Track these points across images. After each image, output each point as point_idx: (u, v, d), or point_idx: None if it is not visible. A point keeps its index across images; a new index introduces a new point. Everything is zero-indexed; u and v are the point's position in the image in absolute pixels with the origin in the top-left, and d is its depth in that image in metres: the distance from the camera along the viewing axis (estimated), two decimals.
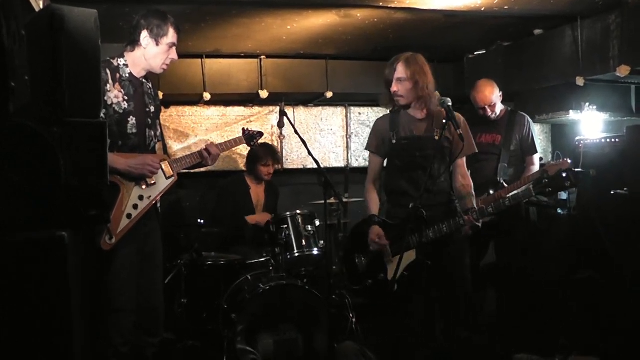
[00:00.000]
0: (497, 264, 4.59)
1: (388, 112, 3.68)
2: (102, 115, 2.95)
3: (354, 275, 3.60)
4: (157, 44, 3.14)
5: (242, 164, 5.74)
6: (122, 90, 3.10)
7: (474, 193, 3.52)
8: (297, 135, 3.72)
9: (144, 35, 3.12)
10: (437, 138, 3.39)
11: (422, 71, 3.40)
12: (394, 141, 3.49)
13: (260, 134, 3.92)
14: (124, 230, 3.03)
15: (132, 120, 3.12)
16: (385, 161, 3.64)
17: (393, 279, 3.31)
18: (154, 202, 3.20)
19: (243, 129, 3.88)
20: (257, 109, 5.92)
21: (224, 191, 5.16)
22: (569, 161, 4.19)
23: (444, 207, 3.44)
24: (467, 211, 3.33)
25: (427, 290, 3.47)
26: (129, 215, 3.06)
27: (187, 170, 3.49)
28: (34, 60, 1.85)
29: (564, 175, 3.19)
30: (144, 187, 3.14)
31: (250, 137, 3.82)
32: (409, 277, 3.33)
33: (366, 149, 3.72)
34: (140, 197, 3.12)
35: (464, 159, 3.52)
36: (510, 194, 3.32)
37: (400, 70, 3.41)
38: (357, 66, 5.62)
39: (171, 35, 3.16)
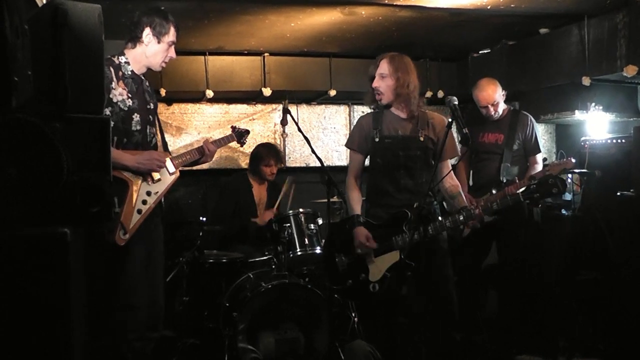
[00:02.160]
0: (499, 265, 4.56)
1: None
2: (107, 112, 2.98)
3: (334, 274, 3.54)
4: (159, 42, 3.16)
5: (243, 162, 5.72)
6: (125, 88, 3.12)
7: (462, 193, 3.51)
8: (300, 133, 3.70)
9: (147, 33, 3.14)
10: (421, 139, 3.40)
11: (406, 70, 3.41)
12: (377, 139, 3.47)
13: (247, 132, 3.98)
14: (136, 226, 3.06)
15: (136, 117, 3.14)
16: (367, 160, 3.62)
17: (382, 279, 3.31)
18: (160, 198, 3.23)
19: (232, 127, 3.94)
20: (260, 106, 5.90)
21: (226, 189, 5.15)
22: (573, 160, 4.17)
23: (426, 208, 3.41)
24: (462, 209, 3.29)
25: (412, 290, 3.46)
26: (139, 211, 3.10)
27: (186, 168, 3.51)
28: (36, 55, 1.83)
29: (550, 181, 3.17)
30: (150, 182, 3.17)
31: (239, 134, 3.89)
32: (392, 278, 3.32)
33: (346, 146, 3.68)
34: (148, 193, 3.15)
35: (449, 160, 3.51)
36: (499, 199, 3.31)
37: (383, 67, 3.44)
38: (361, 64, 5.58)
39: (172, 34, 3.19)
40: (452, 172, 3.48)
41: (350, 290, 3.49)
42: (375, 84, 3.47)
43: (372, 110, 3.63)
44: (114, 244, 2.97)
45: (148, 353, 3.28)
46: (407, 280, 3.35)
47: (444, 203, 3.87)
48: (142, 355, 3.19)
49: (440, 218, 3.35)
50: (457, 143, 3.60)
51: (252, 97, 5.68)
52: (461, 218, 3.26)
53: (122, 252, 3.03)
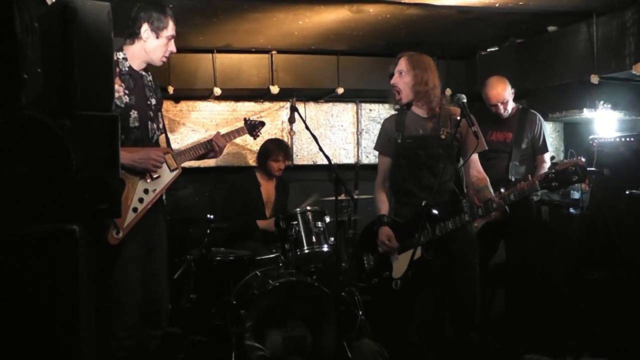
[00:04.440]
0: (507, 263, 4.55)
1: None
2: None
3: (361, 273, 3.62)
4: (158, 37, 3.12)
5: (251, 160, 5.72)
6: (122, 84, 3.07)
7: (490, 186, 3.47)
8: (307, 131, 3.70)
9: (145, 28, 3.10)
10: (443, 137, 3.39)
11: (425, 67, 3.43)
12: (399, 141, 3.49)
13: (262, 124, 3.92)
14: (131, 224, 3.02)
15: (134, 113, 3.10)
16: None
17: (404, 276, 3.31)
18: (159, 195, 3.19)
19: (245, 119, 3.87)
20: (267, 104, 5.90)
21: (234, 187, 5.15)
22: (583, 159, 4.14)
23: (449, 207, 3.40)
24: (488, 201, 3.24)
25: (433, 288, 3.46)
26: (135, 209, 3.05)
27: (194, 164, 3.47)
28: (46, 53, 1.84)
29: (572, 169, 3.10)
30: (148, 180, 3.13)
31: (252, 126, 3.82)
32: (413, 275, 3.32)
33: (375, 148, 3.74)
34: (146, 191, 3.11)
35: (477, 155, 3.48)
36: (517, 191, 3.26)
37: (402, 65, 3.46)
38: (369, 62, 5.58)
39: (171, 28, 3.15)
40: (480, 166, 3.46)
41: (375, 288, 3.51)
42: (393, 81, 3.48)
43: (395, 112, 3.63)
44: (106, 242, 2.93)
45: (150, 350, 3.27)
46: (429, 276, 3.34)
47: None
48: (137, 355, 3.16)
49: (462, 214, 3.29)
50: (483, 137, 3.55)
51: (259, 94, 5.68)
52: (480, 212, 3.23)
53: (115, 249, 2.99)
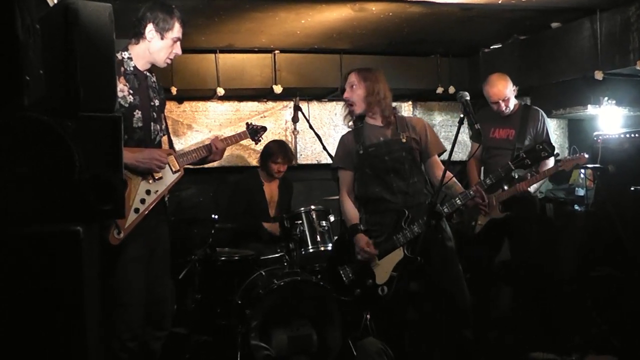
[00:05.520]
0: (511, 261, 4.54)
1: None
2: None
3: (340, 287, 3.56)
4: (162, 38, 3.09)
5: (254, 160, 5.72)
6: (127, 84, 3.04)
7: (457, 181, 3.52)
8: (311, 131, 3.71)
9: (149, 29, 3.07)
10: (404, 140, 3.45)
11: (374, 79, 3.52)
12: (361, 151, 3.51)
13: (264, 129, 3.91)
14: (132, 225, 2.99)
15: (137, 114, 3.07)
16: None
17: (389, 280, 3.33)
18: (161, 197, 3.16)
19: (247, 123, 3.88)
20: (270, 104, 5.90)
21: (237, 187, 5.16)
22: (586, 156, 4.13)
23: (423, 207, 3.40)
24: (460, 194, 3.33)
25: (428, 287, 3.46)
26: (136, 210, 3.03)
27: (193, 167, 3.45)
28: (48, 54, 1.84)
29: (539, 147, 3.28)
30: (150, 181, 3.11)
31: (254, 131, 3.81)
32: (398, 276, 3.32)
33: (334, 166, 3.70)
34: (148, 192, 3.09)
35: (436, 155, 3.56)
36: (492, 174, 3.38)
37: (353, 78, 3.56)
38: (372, 61, 5.57)
39: (176, 30, 3.11)
40: (441, 163, 3.53)
41: (360, 298, 3.49)
42: (345, 95, 3.57)
43: (351, 128, 3.65)
44: (107, 243, 2.90)
45: (154, 352, 3.26)
46: (416, 275, 3.36)
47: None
48: (140, 356, 3.14)
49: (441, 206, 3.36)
50: (440, 139, 3.66)
51: (263, 94, 5.68)
52: (458, 201, 3.32)
53: (116, 249, 2.96)
